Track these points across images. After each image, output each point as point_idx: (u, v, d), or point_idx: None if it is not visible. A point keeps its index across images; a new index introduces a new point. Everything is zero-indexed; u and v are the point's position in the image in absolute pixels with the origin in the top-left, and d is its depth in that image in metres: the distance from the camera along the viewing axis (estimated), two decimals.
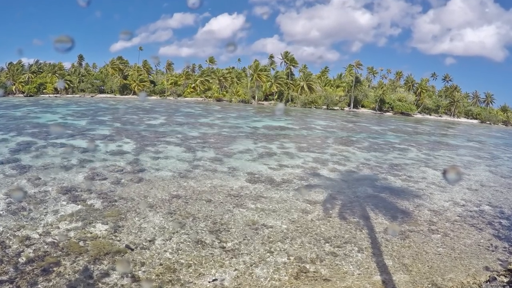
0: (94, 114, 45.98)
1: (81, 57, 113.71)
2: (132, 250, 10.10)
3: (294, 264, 9.95)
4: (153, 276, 8.87)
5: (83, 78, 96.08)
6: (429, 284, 9.43)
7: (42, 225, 11.27)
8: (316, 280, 9.26)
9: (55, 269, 8.79)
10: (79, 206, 13.05)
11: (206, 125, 40.41)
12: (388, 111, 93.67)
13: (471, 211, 15.77)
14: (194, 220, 12.55)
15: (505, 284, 9.43)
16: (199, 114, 54.41)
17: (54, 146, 23.35)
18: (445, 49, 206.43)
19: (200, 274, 9.13)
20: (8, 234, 10.44)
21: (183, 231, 11.57)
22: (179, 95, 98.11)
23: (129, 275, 8.82)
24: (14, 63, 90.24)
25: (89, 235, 10.80)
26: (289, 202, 15.11)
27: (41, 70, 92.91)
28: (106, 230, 11.24)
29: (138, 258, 9.68)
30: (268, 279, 9.13)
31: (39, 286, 8.09)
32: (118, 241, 10.58)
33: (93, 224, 11.61)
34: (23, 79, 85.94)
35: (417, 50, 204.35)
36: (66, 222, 11.61)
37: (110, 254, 9.70)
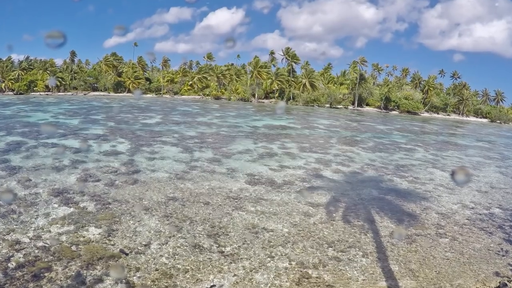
0: (87, 113, 46.00)
1: (73, 53, 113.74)
2: (127, 254, 10.11)
3: (296, 269, 9.95)
4: (149, 282, 8.87)
5: (75, 75, 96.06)
6: None
7: (32, 228, 11.27)
8: (319, 286, 9.26)
9: (46, 274, 8.79)
10: (71, 209, 13.06)
11: (204, 124, 40.43)
12: (394, 110, 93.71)
13: (480, 214, 15.78)
14: (191, 223, 12.56)
15: None
16: (197, 113, 54.43)
17: (45, 146, 23.36)
18: (454, 45, 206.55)
19: (197, 280, 9.14)
20: None
21: (180, 235, 11.58)
22: (175, 93, 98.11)
23: (124, 281, 8.82)
24: (4, 59, 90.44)
25: (81, 239, 10.81)
26: (291, 204, 15.12)
27: (31, 67, 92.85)
28: (99, 234, 11.25)
29: (133, 263, 9.69)
30: (269, 285, 9.14)
31: None
32: (112, 245, 10.59)
33: (86, 227, 11.62)
34: (12, 76, 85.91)
35: (424, 46, 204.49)
36: (57, 225, 11.61)
37: (103, 259, 9.70)
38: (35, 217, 12.17)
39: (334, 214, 14.38)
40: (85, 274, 8.93)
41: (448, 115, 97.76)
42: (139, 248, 10.52)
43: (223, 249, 10.83)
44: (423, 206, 16.17)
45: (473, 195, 18.63)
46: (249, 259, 10.32)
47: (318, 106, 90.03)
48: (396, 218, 14.46)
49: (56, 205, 13.31)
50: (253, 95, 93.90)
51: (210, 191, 16.20)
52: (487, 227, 14.25)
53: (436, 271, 10.38)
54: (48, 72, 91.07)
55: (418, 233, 13.02)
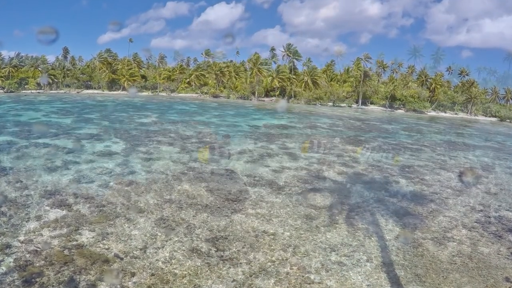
0: (80, 112, 45.98)
1: (66, 50, 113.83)
2: (122, 259, 10.11)
3: (298, 274, 9.95)
4: None
5: (68, 72, 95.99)
6: None
7: (23, 232, 11.27)
8: None
9: (37, 279, 8.79)
10: (64, 212, 13.06)
11: (202, 123, 40.43)
12: (400, 108, 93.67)
13: (489, 217, 15.77)
14: (188, 226, 12.56)
15: None
16: (194, 112, 54.43)
17: (36, 146, 23.36)
18: (462, 41, 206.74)
19: (195, 285, 9.14)
20: None
21: (176, 239, 11.58)
22: (172, 91, 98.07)
23: (118, 286, 8.83)
24: None
25: (74, 243, 10.81)
26: (292, 207, 15.12)
27: (22, 64, 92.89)
28: (93, 237, 11.25)
29: (128, 268, 9.69)
30: None
31: None
32: (106, 249, 10.59)
33: (79, 231, 11.62)
34: (3, 73, 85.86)
35: (431, 42, 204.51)
36: (49, 229, 11.61)
37: (97, 264, 9.70)
38: (26, 220, 12.17)
39: (337, 217, 14.38)
40: (78, 280, 8.93)
41: (456, 114, 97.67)
42: (135, 252, 10.52)
43: (221, 253, 10.83)
44: (429, 209, 16.17)
45: (481, 197, 18.62)
46: (249, 264, 10.32)
47: (320, 104, 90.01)
48: (401, 221, 14.46)
49: (48, 208, 13.31)
50: (253, 93, 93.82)
51: (208, 193, 16.19)
52: (496, 231, 14.25)
53: (443, 276, 10.38)
54: (39, 69, 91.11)
55: (424, 237, 13.02)
